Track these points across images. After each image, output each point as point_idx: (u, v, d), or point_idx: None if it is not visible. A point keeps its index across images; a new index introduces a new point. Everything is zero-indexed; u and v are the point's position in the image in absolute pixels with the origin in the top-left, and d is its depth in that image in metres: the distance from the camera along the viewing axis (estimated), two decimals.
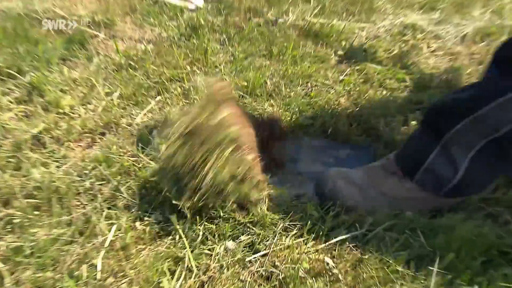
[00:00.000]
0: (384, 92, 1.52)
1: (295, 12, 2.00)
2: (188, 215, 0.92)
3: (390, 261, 0.87)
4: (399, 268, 0.86)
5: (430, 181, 0.97)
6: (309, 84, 1.53)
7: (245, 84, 1.45)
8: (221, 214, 0.96)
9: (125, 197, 1.00)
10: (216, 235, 0.94)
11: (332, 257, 0.90)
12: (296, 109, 1.39)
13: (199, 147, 0.91)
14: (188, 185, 0.92)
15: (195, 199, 0.92)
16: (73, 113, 1.24)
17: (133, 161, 1.10)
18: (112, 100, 1.30)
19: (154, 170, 1.04)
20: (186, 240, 0.91)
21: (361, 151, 1.28)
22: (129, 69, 1.44)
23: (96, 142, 1.18)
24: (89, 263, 0.84)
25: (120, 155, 1.09)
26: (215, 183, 0.90)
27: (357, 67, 1.64)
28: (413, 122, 1.35)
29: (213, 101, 0.94)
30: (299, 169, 1.19)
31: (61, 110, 1.22)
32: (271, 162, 1.18)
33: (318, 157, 1.25)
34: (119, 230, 0.92)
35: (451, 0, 2.31)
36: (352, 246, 0.92)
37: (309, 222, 0.94)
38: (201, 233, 0.93)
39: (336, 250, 0.91)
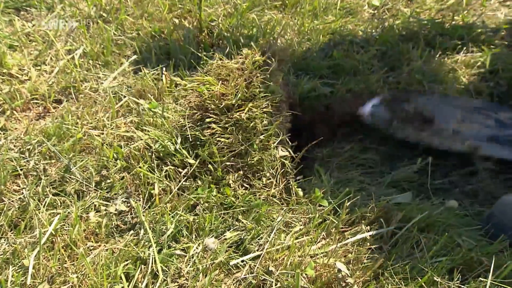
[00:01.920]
0: (433, 52, 1.42)
1: None
2: (157, 195, 0.86)
3: (426, 269, 0.79)
4: (438, 279, 0.78)
5: None
6: (331, 42, 1.44)
7: (247, 42, 1.38)
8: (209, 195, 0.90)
9: (78, 180, 0.94)
10: (193, 230, 0.87)
11: (347, 262, 0.82)
12: (312, 74, 1.30)
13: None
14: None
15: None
16: (21, 75, 1.19)
17: (95, 135, 1.04)
18: (73, 59, 1.24)
19: None
20: (153, 235, 0.84)
21: None
22: (100, 22, 1.38)
23: (49, 112, 1.13)
24: (19, 264, 0.79)
25: (75, 127, 1.03)
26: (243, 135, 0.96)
27: (398, 22, 1.54)
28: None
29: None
30: None
31: (5, 71, 1.18)
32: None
33: None
34: (64, 222, 0.86)
35: None
36: (375, 248, 0.84)
37: (317, 216, 0.86)
38: (173, 226, 0.86)
39: (353, 253, 0.84)
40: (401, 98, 1.21)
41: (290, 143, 1.03)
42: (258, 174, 0.97)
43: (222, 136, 0.97)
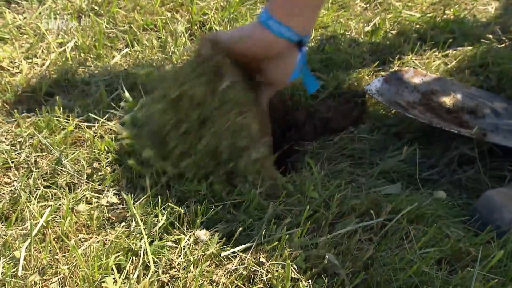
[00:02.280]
0: (424, 46, 1.43)
1: None
2: (148, 188, 0.86)
3: (415, 260, 0.80)
4: (426, 269, 0.78)
5: None
6: (323, 36, 1.44)
7: None
8: (200, 189, 0.90)
9: (69, 172, 0.94)
10: (185, 222, 0.87)
11: (337, 254, 0.82)
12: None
13: (194, 110, 0.91)
14: (175, 150, 0.92)
15: (182, 165, 0.92)
16: (12, 68, 1.18)
17: (86, 127, 1.04)
18: (65, 52, 1.24)
19: (127, 133, 1.00)
20: (145, 227, 0.85)
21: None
22: (91, 14, 1.38)
23: (40, 105, 1.12)
24: (9, 256, 0.78)
25: (66, 120, 1.03)
26: (211, 148, 0.91)
27: (389, 16, 1.55)
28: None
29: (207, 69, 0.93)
30: None
31: None
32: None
33: None
34: (55, 214, 0.86)
35: None
36: (365, 239, 0.85)
37: (308, 208, 0.86)
38: (164, 218, 0.86)
39: (343, 245, 0.84)
40: (407, 77, 1.21)
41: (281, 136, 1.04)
42: None
43: None
